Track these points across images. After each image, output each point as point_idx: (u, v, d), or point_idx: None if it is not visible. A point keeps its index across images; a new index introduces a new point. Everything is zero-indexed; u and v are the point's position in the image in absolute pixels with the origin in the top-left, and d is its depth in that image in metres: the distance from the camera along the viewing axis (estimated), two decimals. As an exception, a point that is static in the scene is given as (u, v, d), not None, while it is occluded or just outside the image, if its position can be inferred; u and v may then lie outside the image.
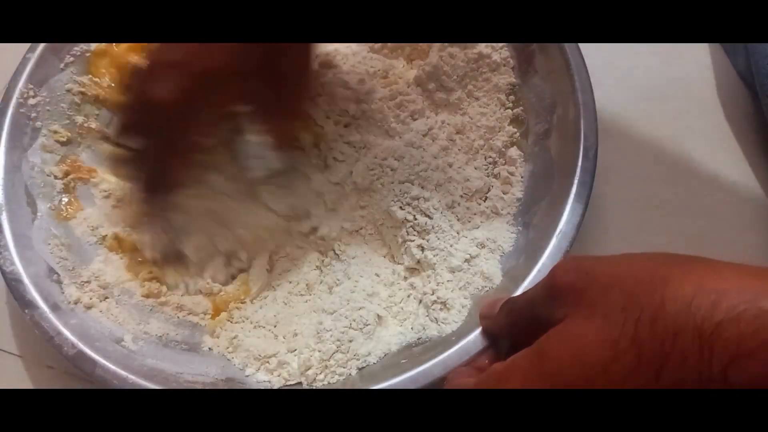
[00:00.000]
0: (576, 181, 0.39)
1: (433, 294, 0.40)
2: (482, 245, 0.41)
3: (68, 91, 0.46)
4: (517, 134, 0.45)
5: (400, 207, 0.41)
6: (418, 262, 0.41)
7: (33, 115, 0.45)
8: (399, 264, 0.42)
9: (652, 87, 0.49)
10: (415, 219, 0.41)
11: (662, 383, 0.24)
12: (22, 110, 0.44)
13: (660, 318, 0.24)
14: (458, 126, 0.45)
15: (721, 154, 0.46)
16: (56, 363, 0.41)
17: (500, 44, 0.47)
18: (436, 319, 0.39)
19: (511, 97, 0.46)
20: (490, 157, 0.45)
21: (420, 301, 0.40)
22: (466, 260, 0.41)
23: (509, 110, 0.46)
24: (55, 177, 0.44)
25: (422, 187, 0.42)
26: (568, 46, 0.43)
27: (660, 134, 0.47)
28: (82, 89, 0.46)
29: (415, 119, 0.45)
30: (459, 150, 0.45)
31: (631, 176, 0.46)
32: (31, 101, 0.45)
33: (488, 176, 0.44)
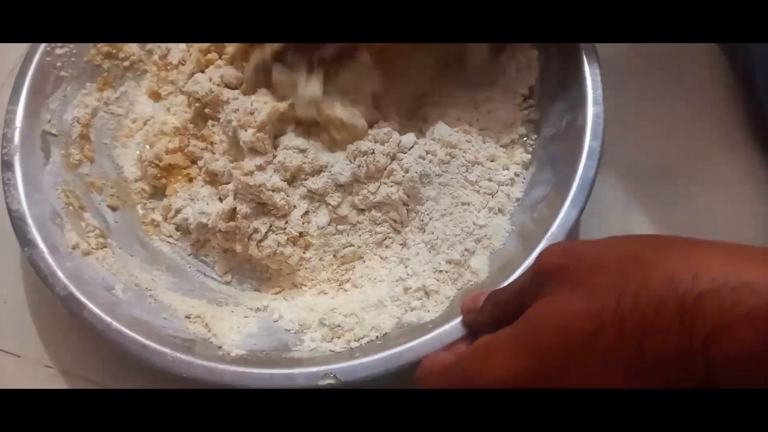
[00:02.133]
0: (574, 188, 0.39)
1: (417, 280, 0.40)
2: (478, 240, 0.41)
3: (95, 45, 0.48)
4: (525, 138, 0.45)
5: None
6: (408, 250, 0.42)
7: (58, 64, 0.46)
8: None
9: (652, 88, 0.49)
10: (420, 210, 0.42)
11: (644, 355, 0.24)
12: (48, 59, 0.46)
13: (643, 293, 0.24)
14: (474, 120, 0.46)
15: (720, 154, 0.46)
16: (54, 363, 0.42)
17: (527, 45, 0.47)
18: (416, 306, 0.39)
19: (530, 101, 0.46)
20: (503, 156, 0.45)
21: (404, 288, 0.40)
22: (462, 254, 0.41)
23: (525, 111, 0.46)
24: (78, 122, 0.46)
25: (438, 182, 0.42)
26: (586, 54, 0.43)
27: (660, 135, 0.47)
28: (108, 46, 0.48)
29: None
30: (475, 144, 0.45)
31: (630, 176, 0.46)
32: (58, 51, 0.46)
33: (498, 175, 0.44)
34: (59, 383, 0.41)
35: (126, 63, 0.49)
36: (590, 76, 0.42)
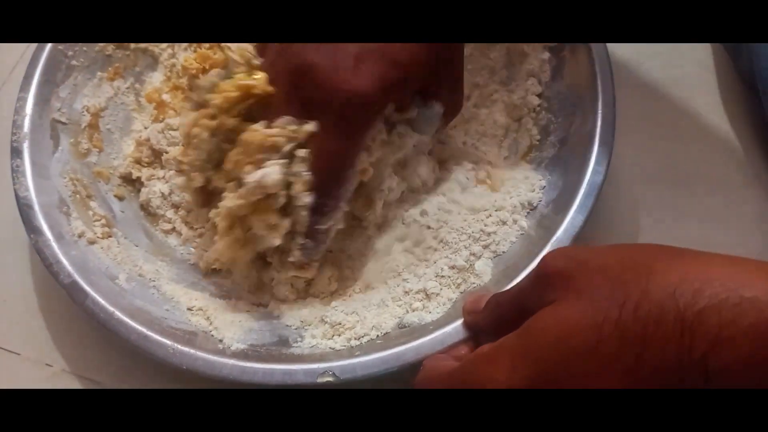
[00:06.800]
0: (581, 193, 0.39)
1: (418, 283, 0.40)
2: (486, 246, 0.41)
3: (106, 35, 0.48)
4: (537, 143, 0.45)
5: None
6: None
7: (70, 53, 0.46)
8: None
9: (654, 88, 0.49)
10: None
11: (643, 364, 0.24)
12: (60, 47, 0.46)
13: (644, 304, 0.24)
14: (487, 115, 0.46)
15: (723, 155, 0.46)
16: (54, 361, 0.41)
17: (538, 47, 0.47)
18: (418, 307, 0.39)
19: (540, 104, 0.46)
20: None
21: (405, 291, 0.40)
22: (467, 259, 0.41)
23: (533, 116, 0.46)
24: (87, 111, 0.46)
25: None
26: (597, 55, 0.43)
27: (662, 136, 0.47)
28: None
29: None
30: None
31: (632, 178, 0.46)
32: (71, 40, 0.46)
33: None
34: (58, 382, 0.41)
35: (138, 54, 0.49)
36: (601, 80, 0.42)
